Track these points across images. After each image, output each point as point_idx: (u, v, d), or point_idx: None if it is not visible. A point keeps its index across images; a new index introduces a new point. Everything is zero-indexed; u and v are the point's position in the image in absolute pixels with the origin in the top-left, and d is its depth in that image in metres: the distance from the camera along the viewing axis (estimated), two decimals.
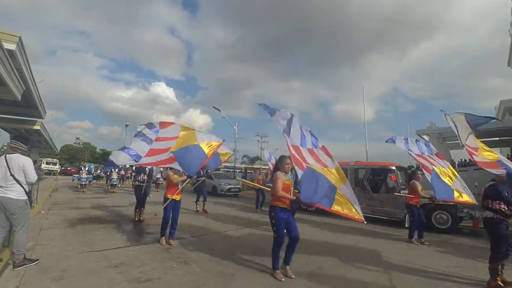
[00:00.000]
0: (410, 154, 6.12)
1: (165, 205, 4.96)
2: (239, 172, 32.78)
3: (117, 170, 16.42)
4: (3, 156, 3.63)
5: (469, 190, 5.77)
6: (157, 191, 16.41)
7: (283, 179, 3.73)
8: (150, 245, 4.96)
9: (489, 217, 3.69)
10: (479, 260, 4.67)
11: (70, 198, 11.44)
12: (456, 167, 22.07)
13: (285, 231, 3.77)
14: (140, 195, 7.24)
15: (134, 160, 5.51)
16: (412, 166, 6.61)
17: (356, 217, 3.62)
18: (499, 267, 3.60)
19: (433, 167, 5.81)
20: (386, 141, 6.39)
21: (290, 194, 3.74)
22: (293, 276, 3.70)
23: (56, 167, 34.59)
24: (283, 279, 3.59)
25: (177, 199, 5.15)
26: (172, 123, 5.77)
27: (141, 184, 7.39)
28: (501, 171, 3.96)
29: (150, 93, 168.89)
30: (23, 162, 3.63)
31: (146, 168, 7.61)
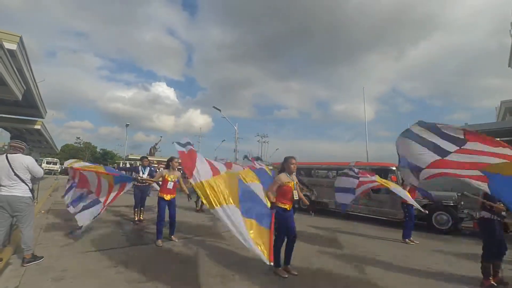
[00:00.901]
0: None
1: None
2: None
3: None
4: (4, 155, 3.66)
5: None
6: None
7: (283, 181, 3.83)
8: (150, 246, 4.96)
9: (486, 217, 3.70)
10: (478, 260, 4.67)
11: None
12: None
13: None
14: (138, 196, 7.23)
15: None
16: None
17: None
18: (491, 266, 3.62)
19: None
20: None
21: (293, 196, 3.87)
22: (296, 273, 3.77)
23: (57, 167, 34.63)
24: (286, 276, 3.67)
25: (166, 199, 5.16)
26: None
27: (141, 185, 7.37)
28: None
29: (151, 93, 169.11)
30: (26, 162, 3.69)
31: (147, 169, 7.58)
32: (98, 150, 72.31)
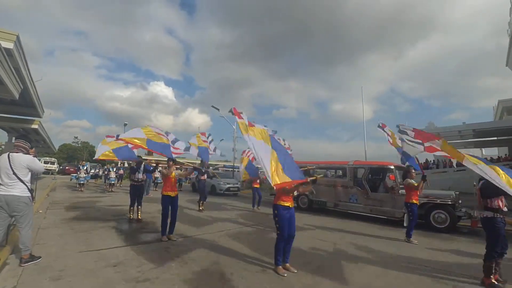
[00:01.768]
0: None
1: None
2: (238, 171, 32.64)
3: (115, 169, 16.39)
4: (6, 154, 3.66)
5: None
6: (156, 190, 16.38)
7: None
8: (148, 245, 4.95)
9: (490, 217, 3.66)
10: (476, 258, 4.69)
11: (68, 197, 11.41)
12: (455, 166, 22.19)
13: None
14: (135, 194, 7.21)
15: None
16: (411, 166, 6.55)
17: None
18: (494, 265, 3.62)
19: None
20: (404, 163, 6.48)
21: (293, 193, 4.00)
22: (296, 271, 3.82)
23: (54, 167, 34.47)
24: (285, 274, 3.70)
25: (171, 195, 5.38)
26: (136, 129, 5.99)
27: (137, 183, 7.36)
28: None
29: (149, 92, 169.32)
30: (26, 162, 3.70)
31: (141, 167, 7.56)
32: (96, 149, 72.08)
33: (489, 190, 3.66)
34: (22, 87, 8.70)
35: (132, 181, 7.45)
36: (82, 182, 14.72)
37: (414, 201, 6.08)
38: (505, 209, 3.66)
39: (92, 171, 21.63)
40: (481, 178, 3.80)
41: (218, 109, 24.39)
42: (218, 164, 46.58)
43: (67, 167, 35.00)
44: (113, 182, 15.53)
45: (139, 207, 7.30)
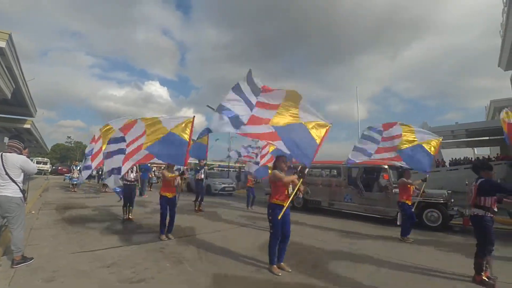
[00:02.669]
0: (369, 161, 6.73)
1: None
2: (233, 171, 32.62)
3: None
4: (0, 153, 3.61)
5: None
6: (150, 190, 16.29)
7: (278, 177, 3.85)
8: (143, 245, 4.93)
9: (480, 215, 3.72)
10: (468, 256, 4.78)
11: (61, 198, 11.30)
12: (447, 166, 22.44)
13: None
14: (128, 194, 7.15)
15: (118, 175, 5.36)
16: (401, 167, 6.73)
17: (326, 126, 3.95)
18: (485, 262, 3.68)
19: (394, 150, 6.35)
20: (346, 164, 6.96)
21: (287, 192, 3.91)
22: (290, 270, 3.83)
23: (47, 167, 34.08)
24: (280, 274, 3.71)
25: (169, 196, 5.47)
26: (133, 123, 5.43)
27: (129, 183, 7.29)
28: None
29: (143, 92, 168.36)
30: (19, 162, 3.67)
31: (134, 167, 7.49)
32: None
33: (486, 189, 3.72)
34: (14, 86, 8.60)
35: (124, 181, 7.36)
36: (75, 182, 14.58)
37: (406, 201, 6.15)
38: (495, 208, 3.73)
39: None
40: (479, 177, 3.88)
41: (213, 109, 24.21)
42: (213, 164, 46.50)
43: (60, 167, 34.63)
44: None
45: (131, 207, 7.24)
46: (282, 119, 3.98)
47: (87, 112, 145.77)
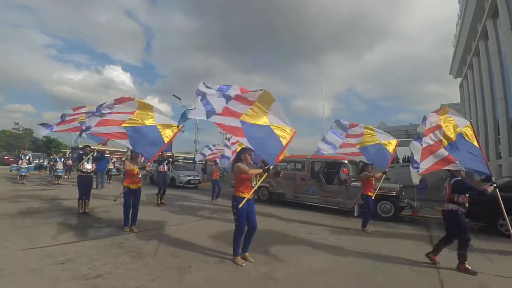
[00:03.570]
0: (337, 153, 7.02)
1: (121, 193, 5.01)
2: (199, 163, 32.05)
3: (63, 159, 15.15)
4: None
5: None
6: (110, 182, 15.50)
7: (243, 169, 3.89)
8: (100, 240, 4.71)
9: (454, 209, 4.12)
10: (418, 243, 5.39)
11: (8, 191, 10.31)
12: (401, 163, 24.22)
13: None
14: (83, 186, 6.75)
15: (84, 130, 5.04)
16: (361, 161, 7.17)
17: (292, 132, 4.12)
18: (467, 253, 3.99)
19: (356, 146, 6.79)
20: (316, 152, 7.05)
21: (251, 184, 3.98)
22: (253, 260, 3.93)
23: None
24: (243, 264, 3.80)
25: (133, 188, 5.36)
26: (130, 98, 5.32)
27: (85, 174, 6.88)
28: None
29: (103, 77, 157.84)
30: None
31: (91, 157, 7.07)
32: (40, 137, 65.56)
33: (459, 188, 4.12)
34: None
35: (79, 172, 6.91)
36: (24, 173, 13.39)
37: (369, 194, 6.54)
38: (466, 204, 4.12)
39: (36, 161, 19.73)
40: (454, 176, 4.29)
41: (179, 99, 23.57)
42: (178, 156, 45.35)
43: (6, 157, 31.50)
44: (60, 174, 14.32)
45: (87, 200, 6.83)
46: (252, 117, 4.05)
47: (40, 96, 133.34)
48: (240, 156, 4.11)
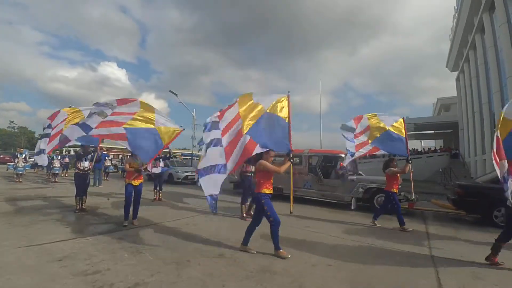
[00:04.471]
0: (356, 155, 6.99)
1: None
2: (196, 159, 32.01)
3: (60, 157, 15.06)
4: None
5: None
6: (107, 179, 15.46)
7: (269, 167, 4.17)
8: (98, 236, 4.71)
9: None
10: (415, 235, 5.49)
11: (5, 189, 10.25)
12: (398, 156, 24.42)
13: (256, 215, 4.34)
14: (80, 183, 6.73)
15: (85, 132, 5.20)
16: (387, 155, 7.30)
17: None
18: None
19: (368, 144, 6.95)
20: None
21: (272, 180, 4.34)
22: (255, 252, 4.12)
23: None
24: (289, 255, 3.96)
25: (134, 184, 5.56)
26: (132, 100, 5.42)
27: (82, 172, 6.85)
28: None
29: (98, 74, 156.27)
30: None
31: (89, 156, 7.05)
32: (36, 135, 64.96)
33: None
34: None
35: (77, 169, 6.89)
36: (20, 172, 13.32)
37: (394, 190, 6.31)
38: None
39: (32, 159, 19.55)
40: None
41: (176, 94, 23.43)
42: (176, 152, 45.27)
43: (1, 155, 31.30)
44: (57, 172, 14.24)
45: (84, 197, 6.82)
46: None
47: (34, 94, 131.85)
48: (262, 155, 4.29)
